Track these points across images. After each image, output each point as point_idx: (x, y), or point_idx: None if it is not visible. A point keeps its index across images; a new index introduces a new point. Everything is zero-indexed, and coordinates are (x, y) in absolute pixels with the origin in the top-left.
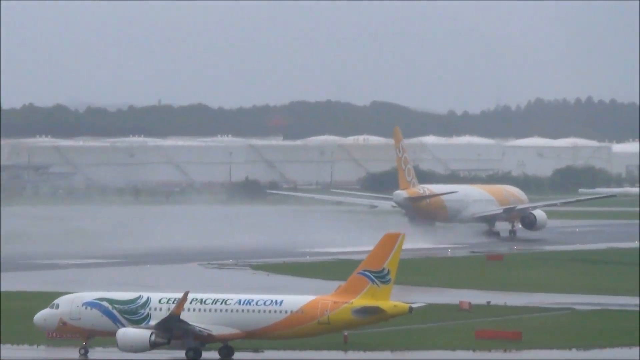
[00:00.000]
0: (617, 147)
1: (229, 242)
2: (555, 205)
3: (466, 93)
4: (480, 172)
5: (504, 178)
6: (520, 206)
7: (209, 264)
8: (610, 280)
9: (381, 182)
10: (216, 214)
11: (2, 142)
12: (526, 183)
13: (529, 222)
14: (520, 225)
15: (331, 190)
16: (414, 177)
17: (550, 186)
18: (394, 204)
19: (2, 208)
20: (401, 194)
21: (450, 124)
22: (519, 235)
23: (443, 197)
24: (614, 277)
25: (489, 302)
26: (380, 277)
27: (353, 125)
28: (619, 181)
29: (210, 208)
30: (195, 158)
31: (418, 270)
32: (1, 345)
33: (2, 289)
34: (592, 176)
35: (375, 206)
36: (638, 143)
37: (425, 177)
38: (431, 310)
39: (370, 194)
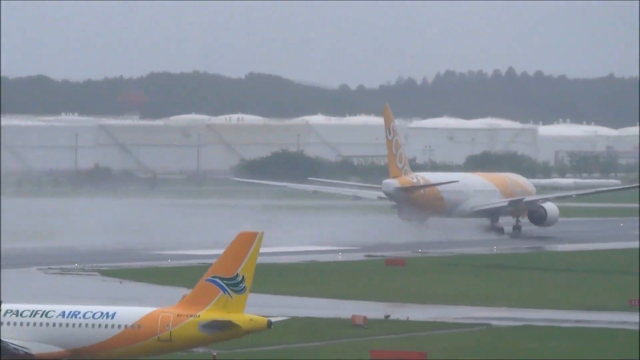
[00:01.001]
0: (545, 130)
1: (75, 242)
2: (570, 197)
3: (363, 64)
4: (378, 158)
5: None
6: (528, 198)
7: (49, 268)
8: (534, 290)
9: (259, 171)
10: (60, 208)
11: None
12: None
13: (539, 217)
14: (525, 220)
15: (308, 178)
16: (406, 164)
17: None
18: (382, 195)
19: None
20: (391, 183)
21: (342, 101)
22: (525, 231)
23: (440, 188)
24: (538, 285)
25: (387, 316)
26: (234, 284)
27: (225, 102)
28: (546, 170)
29: (53, 201)
30: (34, 141)
31: (304, 278)
32: None
33: None
34: (514, 164)
35: (360, 197)
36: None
37: (309, 165)
38: (318, 326)
39: (355, 184)
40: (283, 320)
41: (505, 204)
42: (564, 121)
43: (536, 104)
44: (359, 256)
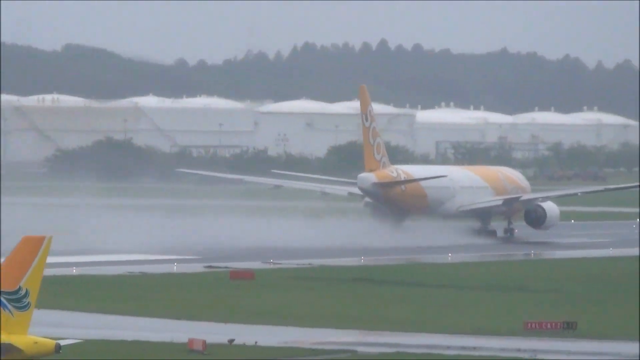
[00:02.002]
0: (424, 116)
1: None
2: (575, 195)
3: (204, 35)
4: (223, 149)
5: (257, 158)
6: (525, 196)
7: None
8: (411, 310)
9: (79, 164)
10: None
11: None
12: (289, 166)
13: (536, 218)
14: (515, 222)
15: (272, 171)
16: (384, 155)
17: (325, 170)
18: (353, 192)
19: None
20: (368, 177)
21: (179, 80)
22: (519, 235)
23: (423, 184)
24: (417, 304)
25: (231, 340)
26: (15, 300)
27: (37, 80)
28: (425, 164)
29: None
30: None
31: (130, 293)
32: None
33: None
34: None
35: (327, 193)
36: (452, 110)
37: (139, 156)
38: (147, 352)
39: (325, 177)
40: (76, 343)
41: (499, 202)
42: (447, 105)
43: (414, 84)
44: (198, 267)
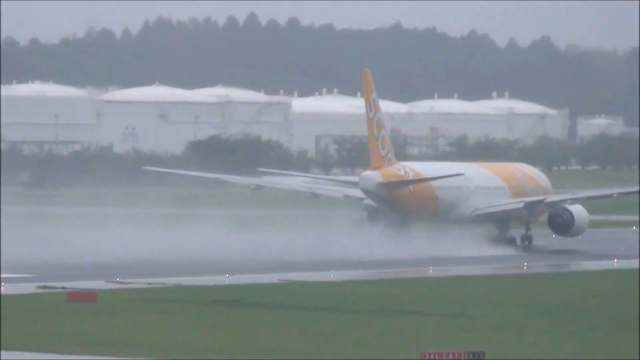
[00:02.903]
0: (302, 104)
1: None
2: (611, 196)
3: (36, 9)
4: (61, 145)
5: (101, 157)
6: (550, 198)
7: None
8: (280, 339)
9: None
10: None
11: None
12: (139, 164)
13: (562, 224)
14: (531, 228)
15: (258, 169)
16: (390, 151)
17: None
18: (350, 194)
19: None
20: (372, 176)
21: (6, 62)
22: (539, 245)
23: (434, 184)
24: (288, 331)
25: None
26: None
27: None
28: (304, 163)
29: None
30: None
31: None
32: None
33: None
34: (255, 153)
35: (317, 195)
36: (335, 97)
37: None
38: None
39: (314, 176)
40: None
41: (521, 205)
42: (330, 92)
43: (289, 66)
44: (30, 287)
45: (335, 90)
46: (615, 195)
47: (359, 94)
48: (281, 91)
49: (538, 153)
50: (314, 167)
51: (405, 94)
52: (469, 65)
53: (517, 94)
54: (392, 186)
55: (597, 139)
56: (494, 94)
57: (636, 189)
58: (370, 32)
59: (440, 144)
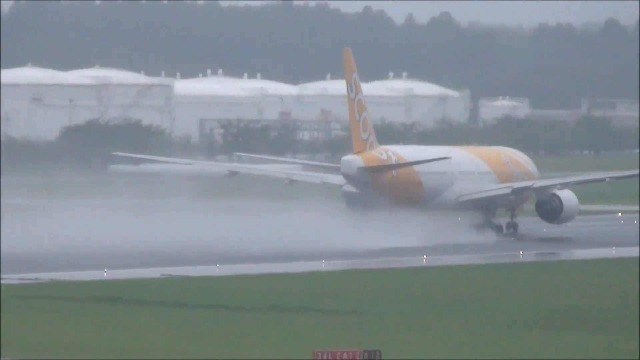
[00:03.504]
0: (185, 86)
1: None
2: (602, 180)
3: None
4: None
5: None
6: (539, 183)
7: None
8: (162, 339)
9: None
10: None
11: None
12: (10, 155)
13: (551, 210)
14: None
15: (236, 154)
16: (372, 134)
17: (58, 158)
18: (327, 181)
19: None
20: (353, 161)
21: None
22: (525, 231)
23: (417, 169)
24: (169, 332)
25: None
26: None
27: None
28: (187, 148)
29: None
30: None
31: None
32: None
33: None
34: (129, 136)
35: (294, 181)
36: (220, 79)
37: None
38: None
39: (297, 161)
40: None
41: (508, 191)
42: (215, 73)
43: (171, 46)
44: None
45: (220, 71)
46: (607, 179)
47: (245, 75)
48: (163, 73)
49: (438, 137)
50: (197, 153)
51: (295, 75)
52: (364, 44)
53: (415, 75)
54: (374, 171)
55: (500, 121)
56: (391, 74)
57: (631, 172)
58: (258, 8)
59: (333, 129)
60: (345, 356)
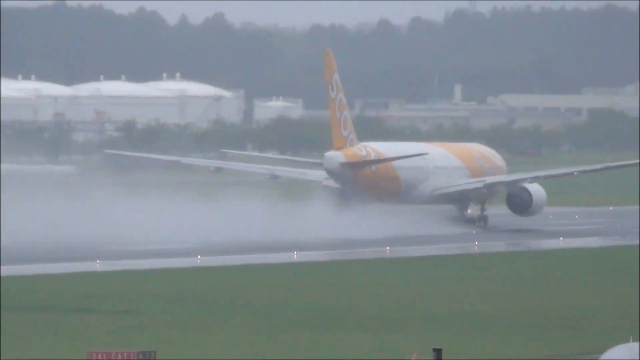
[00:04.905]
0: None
1: None
2: (571, 174)
3: None
4: None
5: None
6: (510, 177)
7: None
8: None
9: None
10: None
11: None
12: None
13: (521, 203)
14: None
15: (221, 150)
16: (352, 131)
17: None
18: (309, 177)
19: None
20: (335, 157)
21: None
22: (495, 223)
23: (395, 165)
24: None
25: None
26: None
27: None
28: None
29: None
30: None
31: None
32: None
33: None
34: None
35: (278, 176)
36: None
37: None
38: None
39: (277, 157)
40: None
41: (480, 185)
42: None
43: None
44: None
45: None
46: (575, 173)
47: (20, 76)
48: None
49: (212, 138)
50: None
51: (69, 76)
52: (138, 45)
53: (189, 75)
54: (354, 166)
55: (274, 122)
56: (164, 75)
57: (599, 166)
58: (32, 9)
59: (107, 129)
60: (120, 357)
